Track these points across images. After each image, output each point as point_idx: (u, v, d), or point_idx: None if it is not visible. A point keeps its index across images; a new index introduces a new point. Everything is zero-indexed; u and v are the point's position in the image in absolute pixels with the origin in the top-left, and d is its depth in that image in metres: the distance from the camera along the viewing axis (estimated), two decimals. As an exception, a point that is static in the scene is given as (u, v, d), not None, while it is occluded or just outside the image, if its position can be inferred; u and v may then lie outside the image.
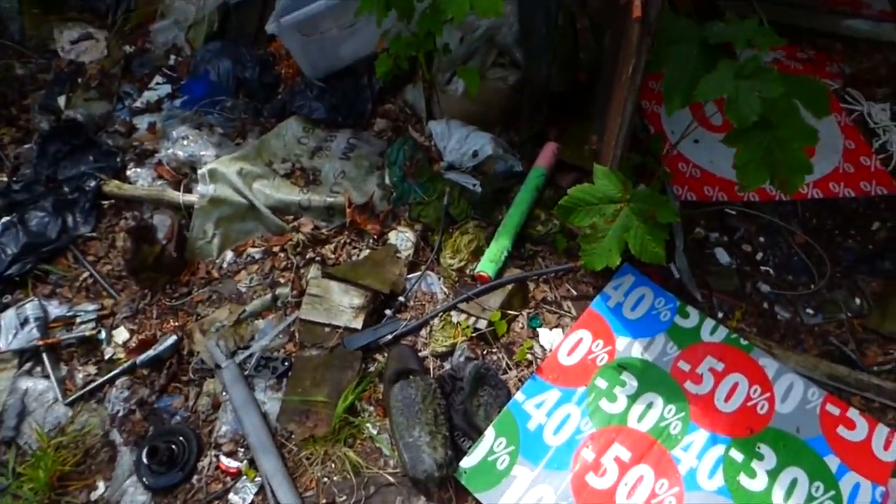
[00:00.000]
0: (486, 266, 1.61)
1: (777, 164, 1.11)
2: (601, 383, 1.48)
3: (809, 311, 1.63)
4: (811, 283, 1.68)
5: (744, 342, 1.53)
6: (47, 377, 1.55)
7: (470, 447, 1.39)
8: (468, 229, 1.74)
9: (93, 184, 1.89)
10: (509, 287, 1.60)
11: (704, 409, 1.43)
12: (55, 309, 1.67)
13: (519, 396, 1.46)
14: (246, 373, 1.52)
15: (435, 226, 1.78)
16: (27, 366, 1.58)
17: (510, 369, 1.52)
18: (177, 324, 1.65)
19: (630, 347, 1.53)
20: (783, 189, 1.15)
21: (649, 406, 1.44)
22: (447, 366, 1.53)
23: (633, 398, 1.45)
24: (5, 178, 1.94)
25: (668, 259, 1.59)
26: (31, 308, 1.63)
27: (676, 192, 1.83)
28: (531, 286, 1.65)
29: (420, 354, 1.54)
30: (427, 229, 1.80)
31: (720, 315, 1.62)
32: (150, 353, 1.55)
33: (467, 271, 1.68)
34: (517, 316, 1.59)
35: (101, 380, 1.54)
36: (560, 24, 1.85)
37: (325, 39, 1.96)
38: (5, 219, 1.83)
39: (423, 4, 1.68)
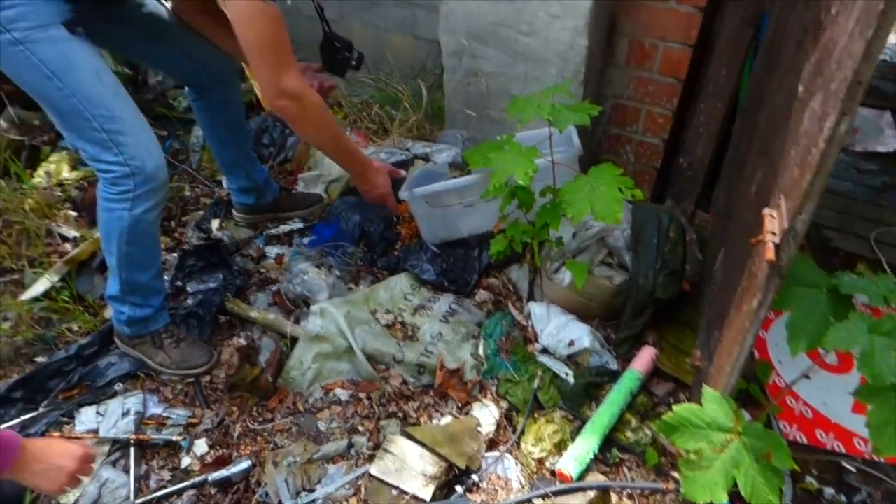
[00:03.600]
0: (569, 463, 1.54)
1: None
2: None
3: None
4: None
5: None
6: (127, 472, 1.59)
7: None
8: (554, 419, 1.70)
9: (217, 299, 2.07)
10: (591, 493, 1.50)
11: None
12: (154, 407, 1.76)
13: None
14: (305, 520, 1.49)
15: (521, 407, 1.76)
16: (114, 456, 1.63)
17: (579, 588, 1.37)
18: (254, 448, 1.67)
19: None
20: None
21: None
22: (511, 566, 1.41)
23: None
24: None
25: None
26: (134, 401, 1.73)
27: (783, 430, 1.71)
28: (614, 497, 1.54)
29: (484, 545, 1.44)
30: (512, 409, 1.77)
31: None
32: (223, 472, 1.56)
33: (547, 464, 1.61)
34: (595, 527, 1.47)
35: (171, 488, 1.55)
36: (671, 236, 1.94)
37: (447, 211, 2.15)
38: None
39: (544, 199, 1.84)
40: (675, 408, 1.21)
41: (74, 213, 2.45)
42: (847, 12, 0.82)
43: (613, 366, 1.86)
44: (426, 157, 2.55)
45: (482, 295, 2.14)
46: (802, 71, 1.05)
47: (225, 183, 2.49)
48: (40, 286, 2.08)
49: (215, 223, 2.42)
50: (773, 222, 1.05)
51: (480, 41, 2.15)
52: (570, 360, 1.89)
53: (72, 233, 2.35)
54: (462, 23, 2.13)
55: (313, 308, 1.97)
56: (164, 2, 1.91)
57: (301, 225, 2.44)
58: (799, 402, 1.79)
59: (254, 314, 2.05)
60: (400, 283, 2.16)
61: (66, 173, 2.67)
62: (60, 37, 1.46)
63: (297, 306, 2.09)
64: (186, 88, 2.12)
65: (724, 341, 1.32)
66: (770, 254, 0.98)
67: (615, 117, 2.31)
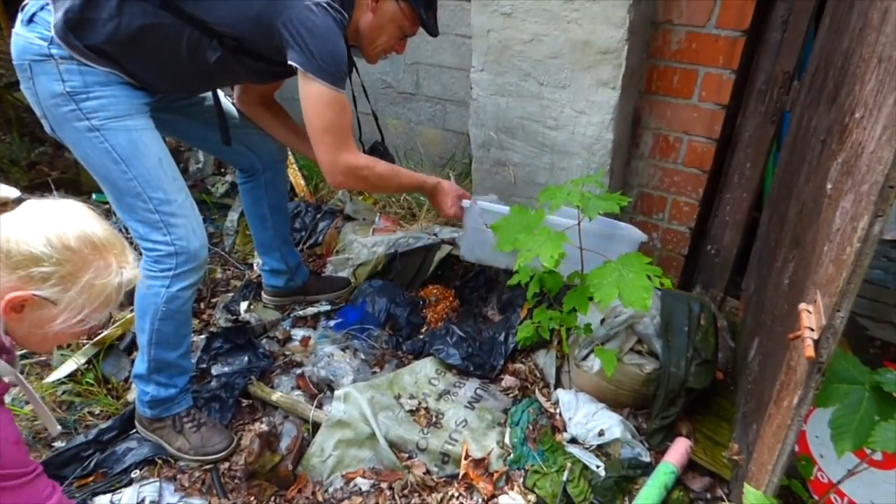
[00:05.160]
0: (604, 567, 1.45)
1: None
2: None
3: None
4: None
5: None
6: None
7: None
8: (586, 516, 1.62)
9: (241, 382, 2.06)
10: None
11: None
12: (169, 496, 1.71)
13: None
14: None
15: (550, 501, 1.68)
16: (128, 550, 1.58)
17: None
18: (272, 544, 1.60)
19: None
20: None
21: None
22: None
23: None
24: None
25: None
26: (150, 489, 1.69)
27: (832, 532, 1.60)
28: None
29: None
30: (540, 502, 1.69)
31: None
32: (239, 570, 1.49)
33: (581, 568, 1.52)
34: None
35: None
36: (702, 324, 1.91)
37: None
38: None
39: (571, 283, 1.85)
40: (719, 510, 1.15)
41: (107, 294, 2.50)
42: (873, 118, 0.86)
43: (646, 458, 1.78)
44: (453, 242, 2.60)
45: (508, 381, 2.10)
46: (830, 169, 1.08)
47: (258, 264, 2.55)
48: (66, 368, 2.08)
49: (244, 305, 2.45)
50: (811, 318, 1.04)
51: (508, 134, 2.25)
52: (601, 450, 1.82)
53: (104, 313, 2.39)
54: (491, 117, 2.24)
55: (337, 392, 1.95)
56: (227, 97, 2.07)
57: (328, 307, 2.47)
58: (844, 501, 1.68)
59: (276, 398, 2.03)
60: (425, 367, 2.14)
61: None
62: (134, 126, 1.59)
63: (321, 390, 2.06)
64: (237, 171, 2.24)
65: (764, 437, 1.27)
66: (809, 350, 0.96)
67: (641, 206, 2.36)
